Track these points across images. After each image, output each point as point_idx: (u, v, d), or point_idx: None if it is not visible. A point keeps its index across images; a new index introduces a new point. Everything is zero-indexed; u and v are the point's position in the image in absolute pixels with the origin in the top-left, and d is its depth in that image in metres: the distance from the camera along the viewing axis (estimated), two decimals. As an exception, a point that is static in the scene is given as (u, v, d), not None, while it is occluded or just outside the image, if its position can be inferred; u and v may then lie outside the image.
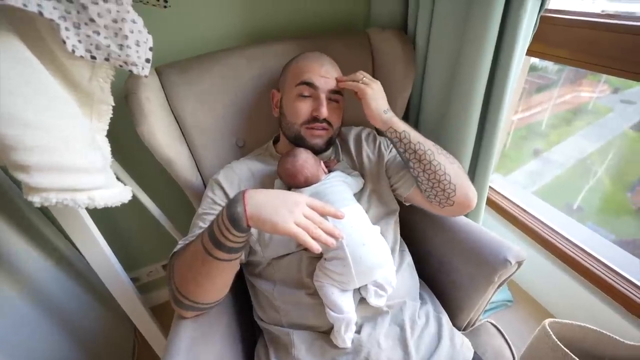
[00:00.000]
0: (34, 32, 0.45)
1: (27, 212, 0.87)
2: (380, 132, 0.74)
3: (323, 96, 0.68)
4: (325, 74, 0.69)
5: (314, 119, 0.69)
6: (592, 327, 0.77)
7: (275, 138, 0.82)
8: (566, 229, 1.04)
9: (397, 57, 0.83)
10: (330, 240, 0.50)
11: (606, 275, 0.91)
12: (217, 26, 0.88)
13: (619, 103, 1.45)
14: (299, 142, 0.71)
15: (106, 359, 0.97)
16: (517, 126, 1.40)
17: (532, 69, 1.22)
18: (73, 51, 0.47)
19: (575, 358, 0.71)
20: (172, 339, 0.57)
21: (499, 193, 1.18)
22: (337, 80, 0.70)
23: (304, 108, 0.69)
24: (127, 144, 0.79)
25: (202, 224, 0.63)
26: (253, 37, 0.92)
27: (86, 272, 1.03)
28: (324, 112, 0.68)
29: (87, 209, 0.65)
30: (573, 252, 0.98)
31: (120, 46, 0.50)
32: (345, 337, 0.55)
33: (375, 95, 0.66)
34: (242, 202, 0.49)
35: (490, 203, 1.17)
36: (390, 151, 0.77)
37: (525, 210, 1.11)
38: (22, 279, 0.76)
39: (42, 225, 0.90)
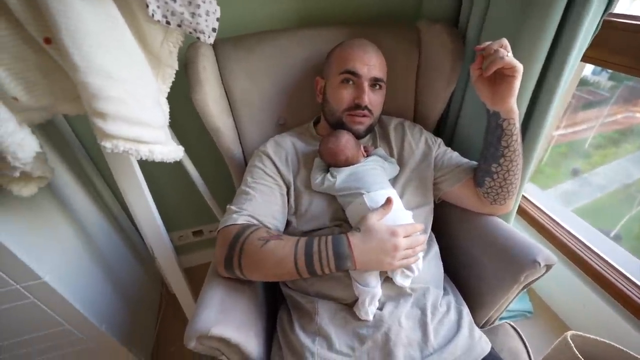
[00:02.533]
0: (122, -7, 0.50)
1: (87, 169, 0.96)
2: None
3: (366, 84, 0.70)
4: (368, 61, 0.70)
5: (356, 106, 0.71)
6: (615, 344, 0.75)
7: (315, 119, 0.85)
8: (598, 246, 1.00)
9: (446, 51, 0.83)
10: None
11: (637, 296, 0.88)
12: (271, 7, 0.91)
13: (678, 129, 1.36)
14: (340, 127, 0.73)
15: (137, 306, 1.05)
16: (557, 142, 1.35)
17: (582, 83, 1.17)
18: (152, 15, 0.51)
19: (595, 372, 0.70)
20: (205, 293, 0.62)
21: (531, 202, 1.16)
22: (479, 51, 0.59)
23: (347, 95, 0.71)
24: (176, 111, 0.84)
25: (253, 192, 0.66)
26: (304, 20, 0.95)
27: (127, 229, 1.12)
28: (366, 99, 0.70)
29: (138, 164, 0.72)
30: (603, 269, 0.95)
31: (193, 14, 0.54)
32: (369, 310, 0.57)
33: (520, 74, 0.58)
34: (352, 258, 0.56)
35: (521, 212, 1.15)
36: (439, 147, 0.79)
37: (556, 222, 1.08)
38: (80, 225, 0.85)
39: (97, 180, 0.99)
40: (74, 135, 0.93)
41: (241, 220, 0.62)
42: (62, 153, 0.85)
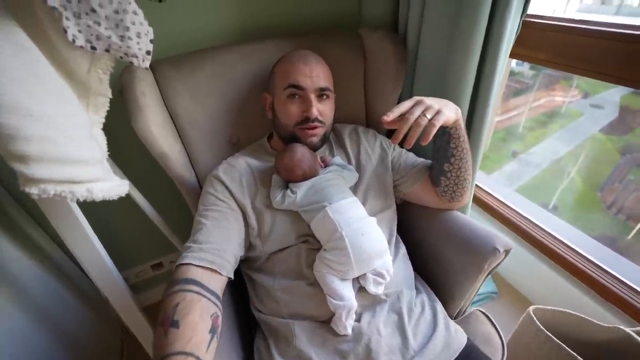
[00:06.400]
0: (34, 20, 0.45)
1: (10, 210, 0.84)
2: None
3: (312, 96, 0.69)
4: (310, 73, 0.69)
5: (306, 119, 0.70)
6: (571, 312, 0.82)
7: (269, 135, 0.83)
8: (544, 222, 1.10)
9: (389, 57, 0.86)
10: None
11: (581, 264, 0.97)
12: (211, 22, 0.88)
13: (589, 107, 1.55)
14: (294, 141, 0.72)
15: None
16: (496, 128, 1.46)
17: (510, 73, 1.28)
18: (73, 41, 0.46)
19: (557, 341, 0.76)
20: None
21: (482, 189, 1.24)
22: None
23: (295, 110, 0.70)
24: (120, 140, 0.77)
25: (205, 221, 0.62)
26: (247, 34, 0.93)
27: (71, 272, 1.00)
28: (314, 111, 0.69)
29: (78, 204, 0.65)
30: (551, 243, 1.04)
31: (122, 37, 0.50)
32: (347, 324, 0.56)
33: (445, 110, 0.58)
34: None
35: (475, 199, 1.22)
36: (394, 149, 0.80)
37: (506, 205, 1.17)
38: (6, 278, 0.73)
39: (26, 224, 0.87)
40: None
41: (196, 262, 0.56)
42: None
